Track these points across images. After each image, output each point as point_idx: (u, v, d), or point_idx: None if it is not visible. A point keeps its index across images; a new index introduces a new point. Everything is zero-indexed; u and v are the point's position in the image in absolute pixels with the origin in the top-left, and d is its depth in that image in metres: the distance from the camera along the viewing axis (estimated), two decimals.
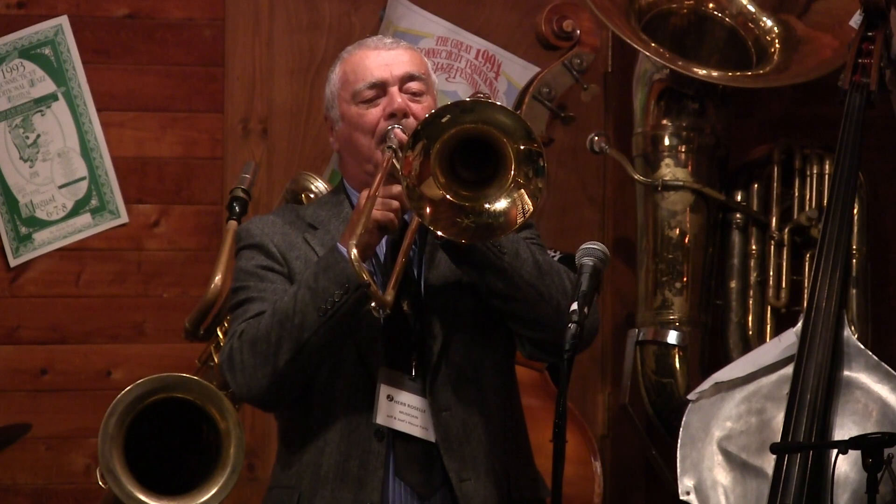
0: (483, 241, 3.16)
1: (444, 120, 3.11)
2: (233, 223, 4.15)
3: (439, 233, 3.12)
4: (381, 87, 3.33)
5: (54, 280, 4.75)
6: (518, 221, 3.13)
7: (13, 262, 4.73)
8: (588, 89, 4.38)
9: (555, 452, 3.02)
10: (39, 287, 4.74)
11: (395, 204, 3.19)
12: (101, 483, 4.13)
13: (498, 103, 3.16)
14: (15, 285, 4.73)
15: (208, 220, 4.79)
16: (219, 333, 4.13)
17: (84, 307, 4.76)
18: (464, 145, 3.13)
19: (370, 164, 3.32)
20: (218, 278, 4.10)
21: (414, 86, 3.34)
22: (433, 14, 4.83)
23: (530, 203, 3.12)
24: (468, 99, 3.19)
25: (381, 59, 3.35)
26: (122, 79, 4.78)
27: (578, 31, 4.35)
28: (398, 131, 3.27)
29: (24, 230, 4.73)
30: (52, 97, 4.75)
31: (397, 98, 3.32)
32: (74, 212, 4.76)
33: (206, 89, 4.82)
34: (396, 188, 3.17)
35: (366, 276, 3.06)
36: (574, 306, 3.08)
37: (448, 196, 3.13)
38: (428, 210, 3.12)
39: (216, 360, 4.08)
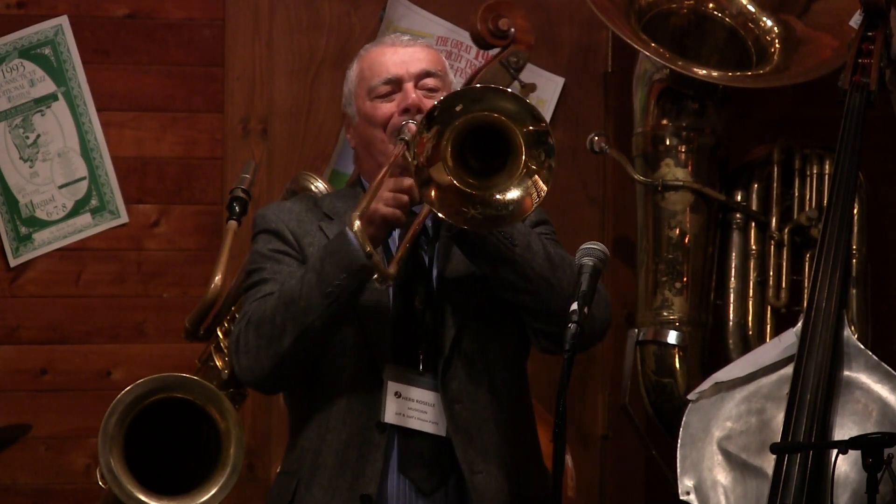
0: (489, 230, 3.17)
1: (457, 108, 3.11)
2: (233, 223, 4.14)
3: (440, 215, 3.13)
4: (396, 83, 3.37)
5: (54, 280, 4.75)
6: (533, 207, 3.14)
7: (13, 262, 4.72)
8: (526, 87, 4.38)
9: (555, 452, 3.02)
10: (39, 287, 4.74)
11: (404, 198, 3.21)
12: (101, 483, 4.13)
13: (504, 89, 3.15)
14: (15, 285, 4.73)
15: (208, 220, 4.79)
16: (219, 333, 4.12)
17: (84, 307, 4.76)
18: (475, 134, 3.14)
19: (384, 157, 3.32)
20: (218, 278, 4.10)
21: (430, 82, 3.38)
22: (433, 14, 4.84)
23: (544, 186, 3.14)
24: (478, 86, 3.19)
25: (398, 57, 3.39)
26: (122, 79, 4.78)
27: (513, 30, 4.34)
28: (412, 125, 3.28)
29: (24, 230, 4.73)
30: (52, 97, 4.75)
31: (412, 93, 3.35)
32: (74, 212, 4.75)
33: (206, 89, 4.81)
34: (407, 181, 3.19)
35: (368, 248, 3.07)
36: (574, 306, 3.08)
37: (456, 182, 3.14)
38: (433, 193, 3.12)
39: (216, 360, 4.08)
